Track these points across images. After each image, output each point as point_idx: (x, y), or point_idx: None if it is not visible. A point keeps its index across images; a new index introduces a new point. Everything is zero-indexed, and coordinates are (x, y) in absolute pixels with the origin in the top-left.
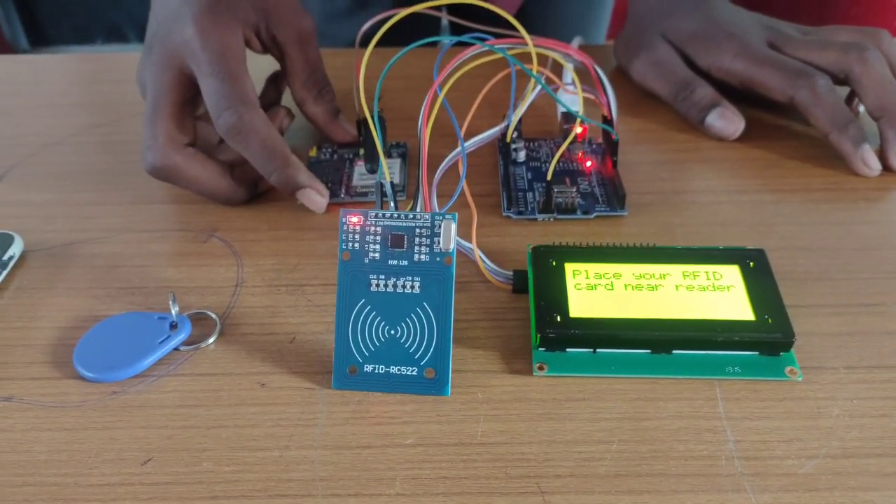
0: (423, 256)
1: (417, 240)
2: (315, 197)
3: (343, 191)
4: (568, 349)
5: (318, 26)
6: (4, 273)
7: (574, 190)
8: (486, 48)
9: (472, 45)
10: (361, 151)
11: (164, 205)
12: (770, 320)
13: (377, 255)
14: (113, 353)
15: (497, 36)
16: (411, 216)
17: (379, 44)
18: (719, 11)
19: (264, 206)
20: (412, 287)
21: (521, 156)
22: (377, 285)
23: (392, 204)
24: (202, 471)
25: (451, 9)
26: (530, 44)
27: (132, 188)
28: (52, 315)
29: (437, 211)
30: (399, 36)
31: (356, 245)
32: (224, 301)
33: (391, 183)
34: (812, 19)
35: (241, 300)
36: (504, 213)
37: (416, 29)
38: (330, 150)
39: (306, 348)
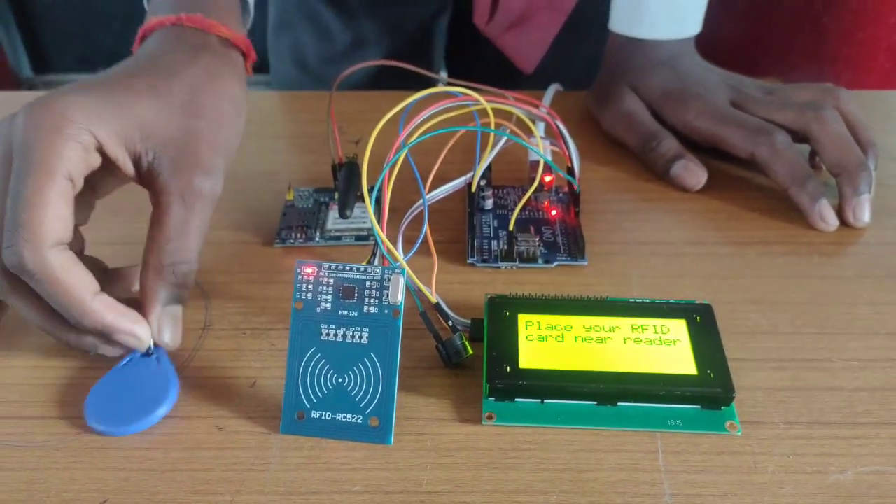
0: (372, 308)
1: (367, 292)
2: (126, 339)
3: (318, 234)
4: (517, 399)
5: (315, 69)
6: None
7: (537, 239)
8: (455, 104)
9: (451, 94)
10: (336, 196)
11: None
12: (712, 375)
13: (329, 305)
14: (123, 405)
15: (481, 91)
16: (363, 269)
17: (377, 86)
18: (687, 70)
19: (237, 247)
20: (360, 337)
21: (489, 204)
22: (328, 334)
23: None
24: None
25: (448, 56)
26: (483, 102)
27: (107, 228)
28: (24, 354)
29: (402, 256)
30: (392, 81)
31: (309, 295)
32: (190, 342)
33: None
34: (806, 58)
35: (206, 343)
36: (468, 261)
37: (407, 75)
38: (306, 193)
39: (266, 393)
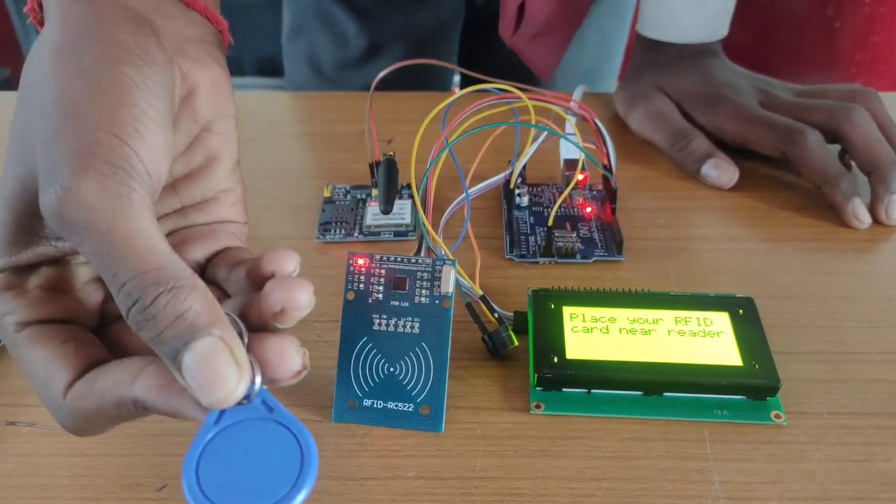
0: (423, 299)
1: (419, 283)
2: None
3: (356, 230)
4: (564, 389)
5: (331, 74)
6: None
7: (574, 235)
8: (493, 103)
9: (487, 92)
10: (374, 192)
11: None
12: (757, 366)
13: (380, 295)
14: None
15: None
16: (414, 260)
17: (393, 88)
18: (716, 72)
19: (278, 242)
20: (412, 327)
21: (525, 201)
22: (379, 324)
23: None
24: None
25: (461, 61)
26: (525, 99)
27: None
28: None
29: (444, 250)
30: (412, 81)
31: (361, 286)
32: None
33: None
34: (818, 62)
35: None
36: (507, 256)
37: (429, 76)
38: (343, 190)
39: (315, 383)
